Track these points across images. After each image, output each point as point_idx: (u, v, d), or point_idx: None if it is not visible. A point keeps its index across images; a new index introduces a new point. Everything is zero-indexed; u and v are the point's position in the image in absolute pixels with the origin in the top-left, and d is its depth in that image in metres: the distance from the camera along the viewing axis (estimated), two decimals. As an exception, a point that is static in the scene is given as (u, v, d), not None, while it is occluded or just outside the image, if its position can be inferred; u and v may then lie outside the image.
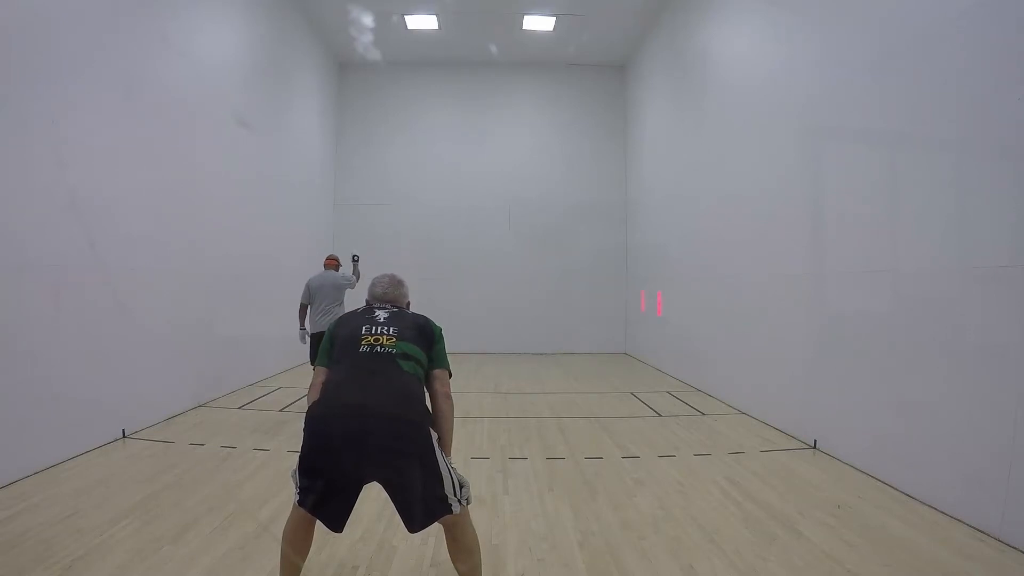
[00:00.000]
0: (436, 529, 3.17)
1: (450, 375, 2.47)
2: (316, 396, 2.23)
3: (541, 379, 8.53)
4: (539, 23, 10.12)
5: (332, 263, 6.27)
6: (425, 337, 2.41)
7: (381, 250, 11.30)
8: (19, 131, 3.80)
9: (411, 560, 2.84)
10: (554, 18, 9.95)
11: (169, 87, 5.58)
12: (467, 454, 4.63)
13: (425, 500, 2.14)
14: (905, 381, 3.85)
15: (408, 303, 2.74)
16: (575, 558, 2.88)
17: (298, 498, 2.15)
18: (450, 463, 2.24)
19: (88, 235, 4.40)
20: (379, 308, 2.50)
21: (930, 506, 3.53)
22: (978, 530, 3.18)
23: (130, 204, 4.94)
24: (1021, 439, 2.97)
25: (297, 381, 7.89)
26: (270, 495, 3.63)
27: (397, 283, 2.68)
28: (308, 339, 6.05)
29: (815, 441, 4.80)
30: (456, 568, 2.32)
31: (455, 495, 2.19)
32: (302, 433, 2.15)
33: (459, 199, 11.70)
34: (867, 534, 3.15)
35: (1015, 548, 2.95)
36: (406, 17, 9.92)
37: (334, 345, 2.38)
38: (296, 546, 2.19)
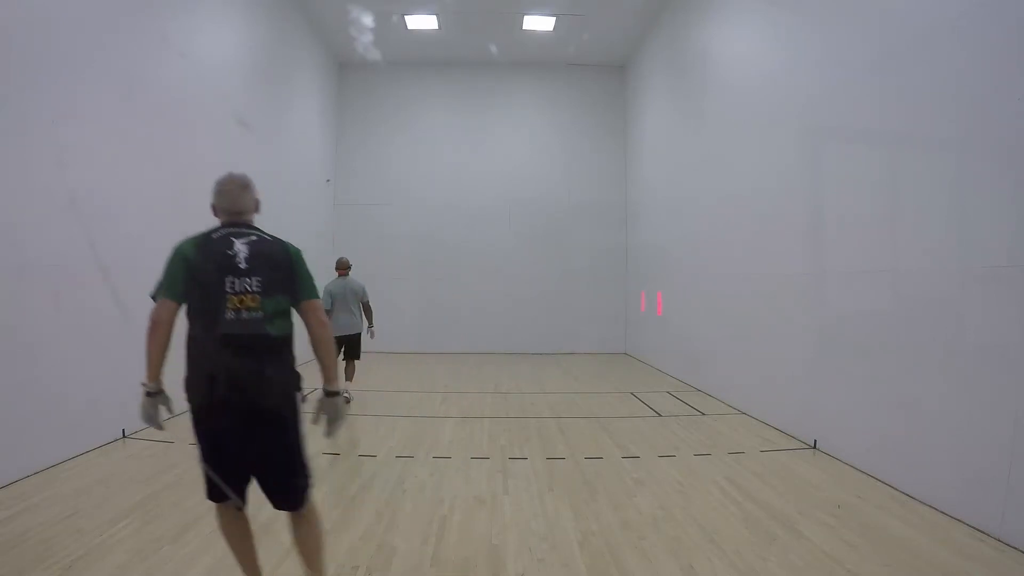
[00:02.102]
0: (437, 528, 3.19)
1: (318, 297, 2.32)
2: (162, 339, 2.15)
3: (541, 379, 8.53)
4: (539, 23, 10.12)
5: (345, 272, 6.56)
6: (287, 275, 2.21)
7: (381, 250, 11.34)
8: (19, 131, 3.80)
9: (411, 560, 2.84)
10: (554, 18, 9.95)
11: (169, 87, 5.58)
12: (467, 454, 4.63)
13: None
14: (905, 381, 3.85)
15: (257, 202, 2.41)
16: (575, 558, 2.88)
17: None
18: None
19: (88, 235, 4.39)
20: (236, 236, 2.19)
21: (930, 506, 3.53)
22: (978, 530, 3.17)
23: (130, 204, 4.93)
24: (1021, 439, 2.96)
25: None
26: (270, 495, 3.63)
27: (243, 185, 2.36)
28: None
29: (815, 441, 4.80)
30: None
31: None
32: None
33: (459, 199, 11.70)
34: (867, 534, 3.15)
35: (1015, 548, 2.95)
36: (406, 17, 9.92)
37: (191, 278, 2.12)
38: (237, 539, 2.27)
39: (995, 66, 3.22)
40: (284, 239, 2.32)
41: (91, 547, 2.82)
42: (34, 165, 3.93)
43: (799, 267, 5.21)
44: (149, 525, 3.13)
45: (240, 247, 2.17)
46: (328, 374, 2.25)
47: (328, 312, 6.05)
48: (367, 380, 8.14)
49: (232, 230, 2.24)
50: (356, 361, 6.60)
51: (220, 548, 2.87)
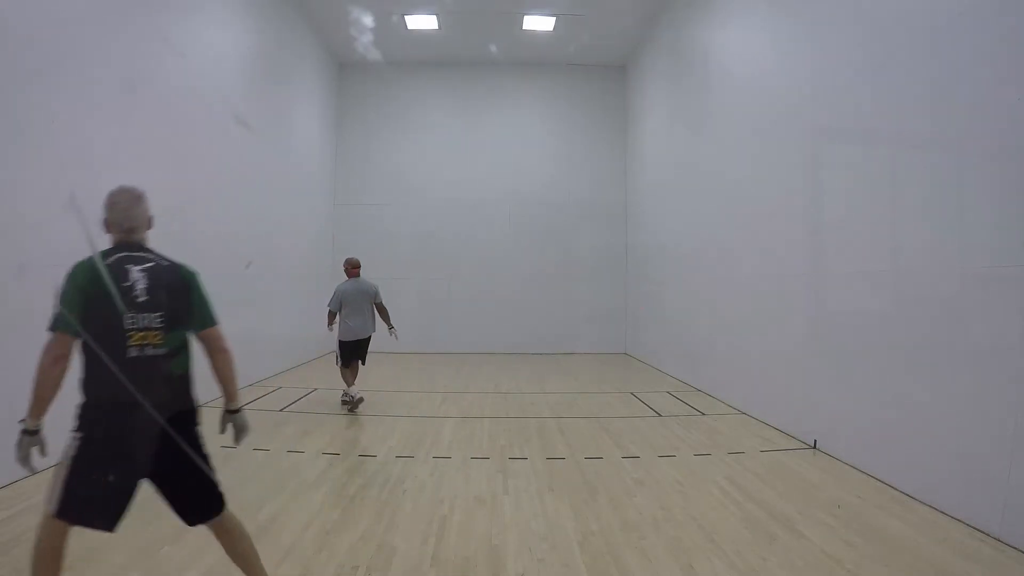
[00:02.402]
0: (437, 528, 3.19)
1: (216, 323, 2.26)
2: (59, 377, 2.05)
3: (541, 379, 8.53)
4: (539, 23, 10.12)
5: (356, 272, 6.33)
6: (184, 304, 2.14)
7: (381, 249, 11.33)
8: (19, 131, 3.80)
9: (411, 560, 2.84)
10: (554, 18, 9.95)
11: (169, 87, 5.58)
12: (467, 454, 4.63)
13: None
14: (905, 381, 3.85)
15: (150, 219, 2.27)
16: (575, 558, 2.88)
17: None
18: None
19: (88, 235, 4.39)
20: (132, 263, 2.09)
21: (930, 506, 3.53)
22: (978, 530, 3.18)
23: (130, 204, 4.93)
24: (1021, 439, 2.97)
25: (297, 381, 7.90)
26: (270, 495, 3.63)
27: (136, 198, 2.24)
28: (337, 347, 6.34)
29: (815, 441, 4.80)
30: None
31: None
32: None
33: (459, 199, 11.70)
34: (867, 534, 3.15)
35: (1015, 548, 2.95)
36: (406, 17, 9.92)
37: (87, 311, 2.01)
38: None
39: (994, 66, 3.22)
40: (179, 261, 2.24)
41: (91, 547, 2.81)
42: (34, 165, 3.93)
43: (799, 267, 5.21)
44: (149, 525, 3.12)
45: (137, 275, 2.08)
46: (230, 395, 2.32)
47: (333, 315, 6.14)
48: (367, 380, 8.14)
49: (126, 254, 2.13)
50: (361, 364, 6.46)
51: (221, 548, 2.87)
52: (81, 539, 2.91)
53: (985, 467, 3.18)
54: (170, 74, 5.60)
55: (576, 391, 7.60)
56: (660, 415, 6.15)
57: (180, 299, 2.14)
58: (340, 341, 6.19)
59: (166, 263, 2.19)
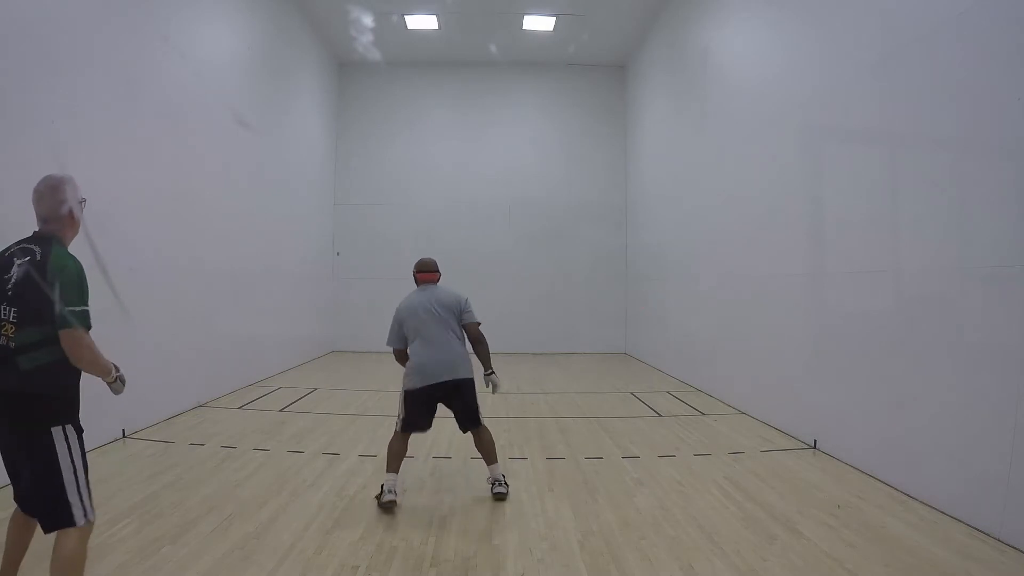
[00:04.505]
0: (437, 529, 3.19)
1: (86, 327, 2.08)
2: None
3: (541, 379, 8.53)
4: (539, 23, 10.12)
5: (430, 277, 3.96)
6: (45, 299, 2.05)
7: (381, 250, 11.34)
8: (19, 131, 3.80)
9: (411, 560, 2.84)
10: (554, 18, 9.94)
11: (169, 87, 5.58)
12: (467, 454, 4.62)
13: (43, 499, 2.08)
14: (905, 381, 3.85)
15: (69, 209, 2.26)
16: (575, 558, 2.88)
17: None
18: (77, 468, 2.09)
19: (88, 235, 4.38)
20: (20, 255, 2.11)
21: (930, 506, 3.53)
22: (978, 530, 3.17)
23: (130, 204, 4.93)
24: (1021, 439, 2.97)
25: (297, 381, 7.89)
26: (270, 495, 3.63)
27: (51, 187, 2.24)
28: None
29: (815, 441, 4.80)
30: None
31: (79, 498, 2.08)
32: None
33: (459, 199, 11.70)
34: (867, 534, 3.15)
35: (1015, 548, 2.95)
36: (406, 17, 9.92)
37: None
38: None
39: (995, 66, 3.22)
40: (68, 253, 2.18)
41: (91, 547, 2.79)
42: (34, 165, 3.92)
43: (799, 267, 5.21)
44: (149, 525, 3.13)
45: (16, 269, 2.08)
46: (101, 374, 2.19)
47: (401, 353, 3.80)
48: (367, 380, 8.15)
49: (23, 246, 2.15)
50: (481, 431, 3.80)
51: (220, 548, 2.88)
52: (81, 539, 2.91)
53: (985, 467, 3.18)
54: (170, 74, 5.60)
55: (576, 391, 7.60)
56: (660, 415, 6.15)
57: (43, 295, 2.04)
58: (404, 391, 3.71)
59: (50, 255, 2.11)
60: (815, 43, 5.01)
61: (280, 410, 6.11)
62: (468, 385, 3.75)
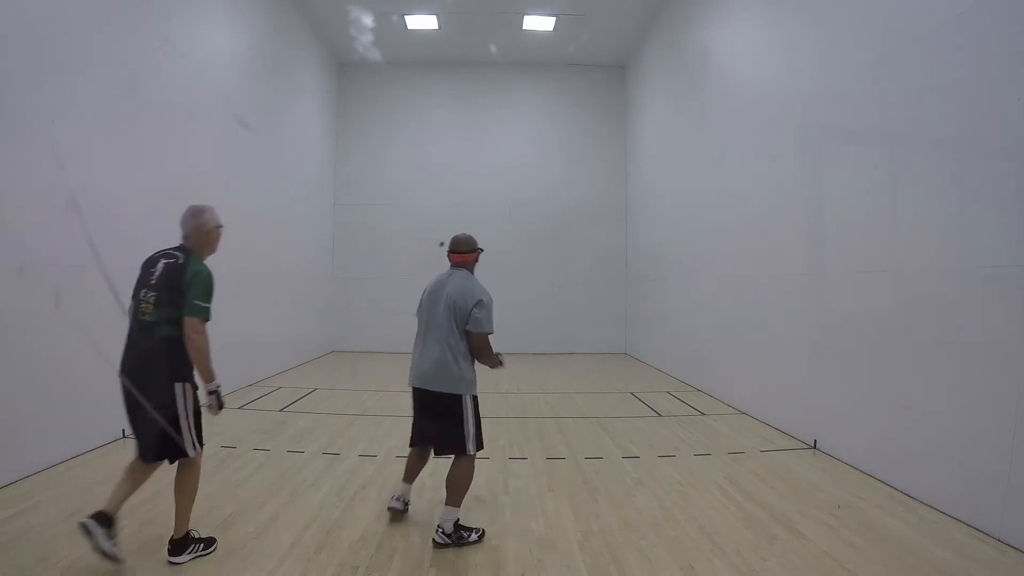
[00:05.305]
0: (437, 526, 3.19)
1: (204, 319, 2.69)
2: None
3: (541, 379, 8.53)
4: (539, 23, 10.12)
5: (460, 259, 3.54)
6: (178, 291, 2.68)
7: (381, 250, 11.35)
8: (19, 131, 3.80)
9: (411, 560, 2.84)
10: (554, 18, 9.94)
11: (169, 87, 5.58)
12: (467, 454, 4.63)
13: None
14: (905, 381, 3.85)
15: (208, 231, 3.00)
16: (575, 558, 2.88)
17: None
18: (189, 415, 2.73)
19: (88, 235, 4.39)
20: (163, 255, 2.83)
21: (930, 506, 3.53)
22: (978, 530, 3.18)
23: (130, 204, 4.93)
24: (1021, 439, 2.97)
25: (297, 381, 7.89)
26: (270, 495, 3.63)
27: (194, 213, 2.96)
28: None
29: (815, 441, 4.80)
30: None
31: (191, 437, 2.75)
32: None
33: (459, 199, 11.69)
34: (867, 534, 3.15)
35: (1015, 548, 2.96)
36: (406, 17, 9.92)
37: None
38: None
39: (995, 66, 3.22)
40: (202, 262, 2.89)
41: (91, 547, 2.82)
42: (34, 165, 3.92)
43: (799, 267, 5.21)
44: (149, 525, 3.13)
45: (160, 266, 2.82)
46: (205, 378, 2.78)
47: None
48: (367, 381, 8.15)
49: (168, 251, 2.88)
50: (460, 461, 3.17)
51: (220, 548, 2.88)
52: (81, 539, 2.91)
53: (985, 467, 3.18)
54: (170, 74, 5.60)
55: (576, 391, 7.60)
56: (660, 415, 6.15)
57: (176, 289, 2.74)
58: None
59: (183, 263, 2.83)
60: (815, 43, 5.02)
61: (280, 410, 6.11)
62: (444, 402, 3.07)
